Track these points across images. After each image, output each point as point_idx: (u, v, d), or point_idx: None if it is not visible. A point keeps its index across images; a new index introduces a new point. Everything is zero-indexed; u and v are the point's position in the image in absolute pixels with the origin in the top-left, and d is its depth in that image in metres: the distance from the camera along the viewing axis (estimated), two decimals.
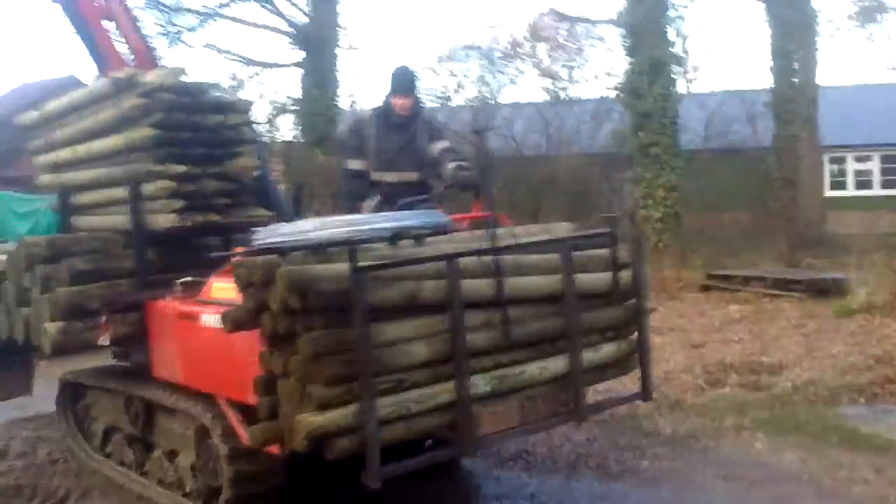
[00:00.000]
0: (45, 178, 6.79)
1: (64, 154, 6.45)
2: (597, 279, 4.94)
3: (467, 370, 4.28)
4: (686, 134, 20.99)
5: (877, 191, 26.98)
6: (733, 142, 23.96)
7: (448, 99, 28.94)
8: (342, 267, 4.05)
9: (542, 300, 4.72)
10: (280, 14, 22.44)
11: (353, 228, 3.59)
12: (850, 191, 27.12)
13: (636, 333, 5.12)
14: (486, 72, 29.01)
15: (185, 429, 5.55)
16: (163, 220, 5.50)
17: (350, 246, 3.79)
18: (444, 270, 4.23)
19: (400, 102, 5.95)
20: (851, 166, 27.23)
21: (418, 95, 6.17)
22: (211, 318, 5.01)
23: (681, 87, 21.70)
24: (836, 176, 27.00)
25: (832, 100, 22.18)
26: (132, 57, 7.23)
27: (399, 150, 6.01)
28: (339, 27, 22.67)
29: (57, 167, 6.57)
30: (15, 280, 6.06)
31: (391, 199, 5.98)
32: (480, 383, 4.38)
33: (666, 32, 19.17)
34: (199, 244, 6.15)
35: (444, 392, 4.26)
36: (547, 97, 28.43)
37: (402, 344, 4.16)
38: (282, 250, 3.82)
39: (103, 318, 5.48)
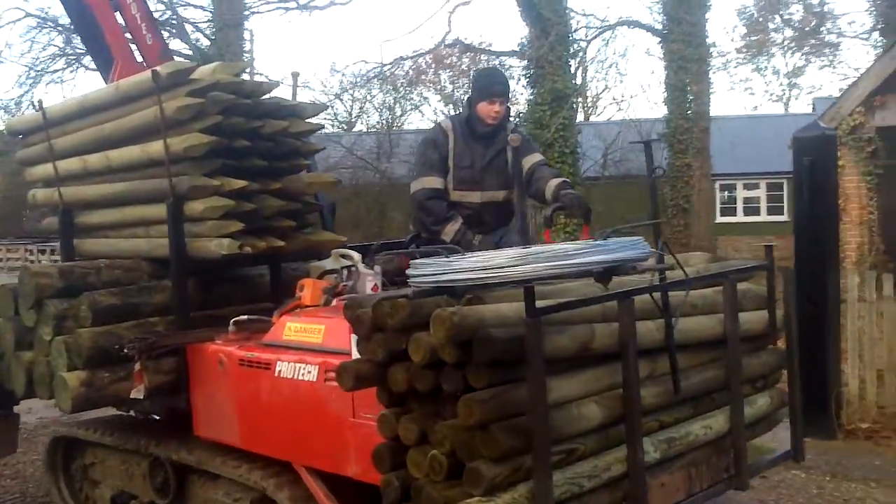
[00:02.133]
0: (40, 194, 5.75)
1: (69, 165, 5.42)
2: (753, 319, 4.19)
3: (640, 433, 3.48)
4: (586, 162, 22.43)
5: (763, 217, 28.67)
6: (630, 169, 24.54)
7: (351, 125, 28.41)
8: (512, 309, 3.22)
9: (702, 345, 3.95)
10: (186, 39, 21.63)
11: (560, 262, 2.74)
12: (739, 217, 28.85)
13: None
14: (390, 97, 28.63)
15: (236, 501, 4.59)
16: (214, 245, 4.53)
17: (524, 283, 2.94)
18: (608, 312, 3.44)
19: (492, 109, 5.08)
20: (740, 193, 28.94)
21: (510, 102, 5.32)
22: (287, 367, 4.10)
23: (581, 117, 22.18)
24: (725, 203, 28.74)
25: (723, 130, 23.18)
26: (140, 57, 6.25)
27: (485, 165, 5.16)
28: (246, 54, 22.35)
29: (57, 180, 5.52)
30: (10, 317, 5.01)
31: (473, 222, 5.14)
32: (650, 449, 3.59)
33: (568, 65, 19.77)
34: (240, 275, 5.21)
35: (616, 462, 3.45)
36: None
37: (572, 404, 3.34)
38: (458, 290, 2.95)
39: (137, 366, 4.48)
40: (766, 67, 34.43)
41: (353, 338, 3.66)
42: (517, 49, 20.60)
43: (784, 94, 40.72)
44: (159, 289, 4.87)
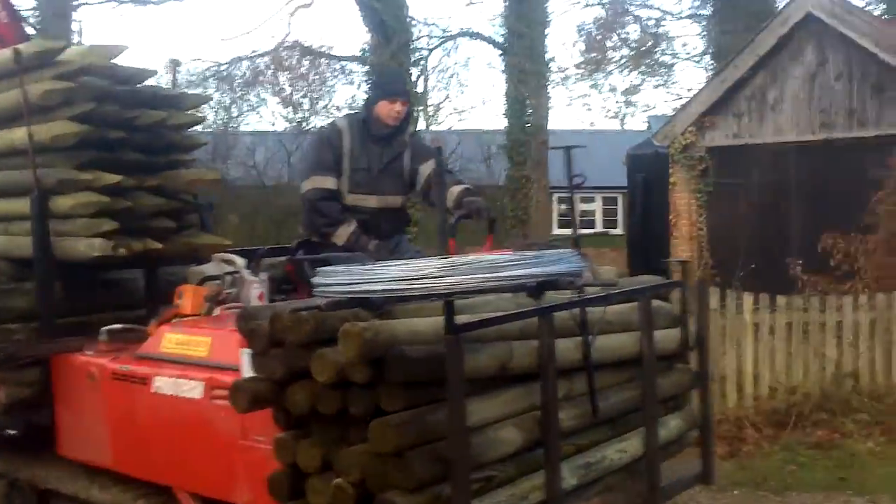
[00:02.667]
0: None
1: None
2: (667, 337, 4.02)
3: (559, 458, 3.25)
4: None
5: (599, 229, 29.86)
6: (471, 180, 24.63)
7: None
8: (427, 324, 2.93)
9: (617, 364, 3.74)
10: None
11: (492, 275, 2.47)
12: None
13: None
14: (227, 98, 28.07)
15: None
16: (84, 246, 4.07)
17: (452, 297, 2.65)
18: (525, 329, 3.19)
19: (393, 109, 4.76)
20: (577, 207, 29.22)
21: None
22: (167, 382, 3.70)
23: (422, 125, 22.27)
24: (563, 215, 29.44)
25: (561, 144, 23.72)
26: None
27: (382, 169, 4.84)
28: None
29: None
30: None
31: (369, 228, 4.81)
32: (567, 475, 3.35)
33: (410, 73, 19.62)
34: (110, 280, 4.73)
35: (533, 490, 3.20)
36: (288, 126, 27.97)
37: (490, 427, 3.07)
38: (376, 302, 2.63)
39: None
40: (603, 84, 35.57)
41: (245, 353, 3.32)
42: (359, 55, 20.35)
43: (620, 111, 42.42)
44: (20, 292, 4.37)
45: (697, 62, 31.60)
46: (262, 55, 24.22)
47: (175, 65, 20.08)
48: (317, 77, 27.52)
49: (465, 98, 57.97)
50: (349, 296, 2.59)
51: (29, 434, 4.56)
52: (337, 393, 2.92)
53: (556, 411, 3.20)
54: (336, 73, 26.09)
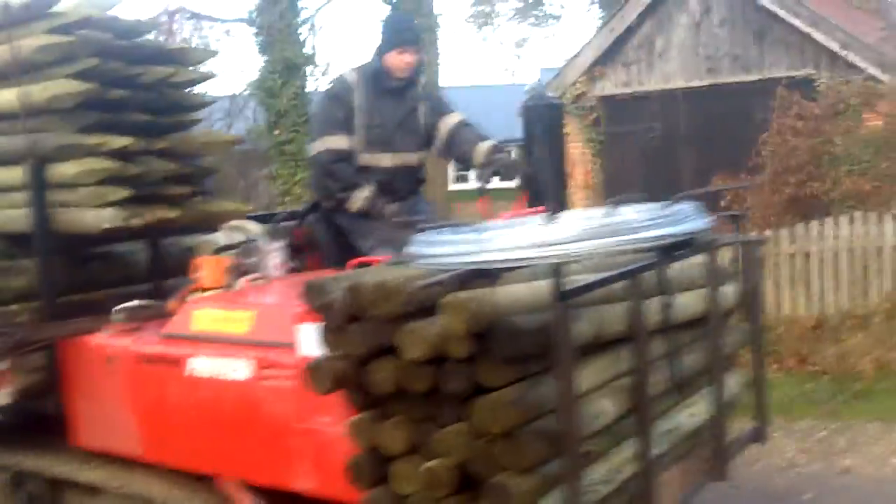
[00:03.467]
0: None
1: None
2: (729, 294, 3.83)
3: (651, 428, 3.05)
4: None
5: (495, 184, 29.68)
6: None
7: None
8: (527, 291, 2.68)
9: (684, 325, 3.55)
10: None
11: (629, 237, 2.23)
12: (472, 184, 30.24)
13: None
14: None
15: None
16: (92, 217, 3.69)
17: (554, 263, 2.40)
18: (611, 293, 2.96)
19: (403, 59, 4.41)
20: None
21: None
22: (205, 364, 3.38)
23: (314, 85, 22.07)
24: (459, 170, 29.26)
25: (454, 99, 23.97)
26: None
27: (397, 125, 4.52)
28: None
29: None
30: None
31: (385, 188, 4.50)
32: (655, 444, 3.16)
33: (299, 34, 19.21)
34: (110, 253, 4.34)
35: (625, 463, 3.00)
36: None
37: (588, 399, 2.85)
38: (495, 271, 2.36)
39: (2, 365, 3.60)
40: (493, 38, 35.38)
41: (308, 328, 3.03)
42: (246, 17, 19.64)
43: (511, 64, 43.39)
44: (16, 270, 3.97)
45: (587, 12, 33.08)
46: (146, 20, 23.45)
47: (171, 14, 19.55)
48: (202, 41, 27.11)
49: (355, 56, 57.90)
50: (467, 267, 2.31)
51: (32, 424, 4.21)
52: (428, 369, 2.66)
53: (647, 378, 3.00)
54: (222, 38, 25.60)
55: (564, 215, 2.55)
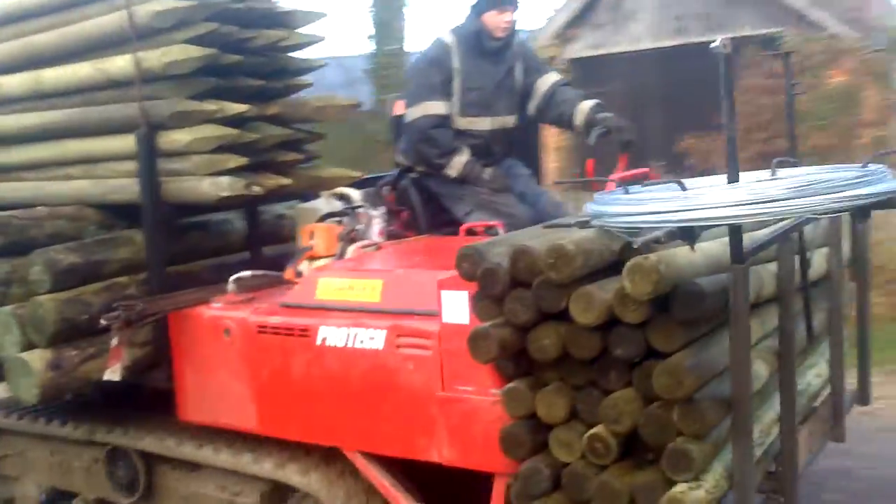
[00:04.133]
0: None
1: None
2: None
3: (795, 389, 3.05)
4: None
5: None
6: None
7: None
8: (703, 252, 2.66)
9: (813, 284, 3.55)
10: None
11: (840, 195, 2.21)
12: None
13: None
14: None
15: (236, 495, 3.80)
16: (209, 185, 3.63)
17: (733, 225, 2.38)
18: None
19: (503, 19, 4.34)
20: None
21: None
22: (335, 333, 3.35)
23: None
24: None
25: None
26: None
27: (495, 87, 4.46)
28: None
29: None
30: None
31: (481, 152, 4.46)
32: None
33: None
34: (206, 222, 4.30)
35: (772, 425, 3.01)
36: None
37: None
38: (697, 230, 2.33)
39: (115, 341, 3.56)
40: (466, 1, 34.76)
41: (454, 295, 3.01)
42: None
43: None
44: (121, 241, 3.92)
45: None
46: None
47: None
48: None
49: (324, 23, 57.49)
50: (670, 227, 2.28)
51: (124, 399, 4.19)
52: (596, 334, 2.64)
53: (794, 339, 3.00)
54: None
55: (744, 176, 2.50)
